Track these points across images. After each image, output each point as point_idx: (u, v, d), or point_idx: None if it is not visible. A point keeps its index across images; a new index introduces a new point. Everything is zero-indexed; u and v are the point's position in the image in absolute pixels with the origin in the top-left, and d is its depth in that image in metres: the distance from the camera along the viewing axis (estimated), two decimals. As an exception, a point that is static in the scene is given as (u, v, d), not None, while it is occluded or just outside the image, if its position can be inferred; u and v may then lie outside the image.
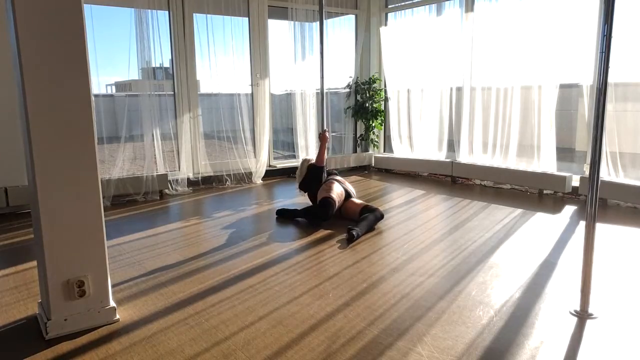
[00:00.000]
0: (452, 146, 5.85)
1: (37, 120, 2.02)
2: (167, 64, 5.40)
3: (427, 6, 5.91)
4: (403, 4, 6.28)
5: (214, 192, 5.30)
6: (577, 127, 5.25)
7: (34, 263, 2.79)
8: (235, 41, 5.63)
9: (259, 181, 5.85)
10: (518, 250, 3.21)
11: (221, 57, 5.52)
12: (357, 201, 4.14)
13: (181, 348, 2.04)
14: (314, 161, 4.47)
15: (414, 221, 4.00)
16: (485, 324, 2.20)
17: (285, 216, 4.18)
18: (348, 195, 4.17)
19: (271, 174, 6.05)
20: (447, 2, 5.72)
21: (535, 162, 5.06)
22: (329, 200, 3.95)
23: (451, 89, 5.81)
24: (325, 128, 4.47)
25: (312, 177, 4.34)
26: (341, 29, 6.68)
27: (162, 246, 3.43)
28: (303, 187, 4.47)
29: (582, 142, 5.03)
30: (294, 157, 6.35)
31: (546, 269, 2.86)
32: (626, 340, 2.06)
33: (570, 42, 4.65)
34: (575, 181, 4.75)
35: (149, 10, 4.94)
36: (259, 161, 5.87)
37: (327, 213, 3.92)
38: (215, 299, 2.52)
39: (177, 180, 5.30)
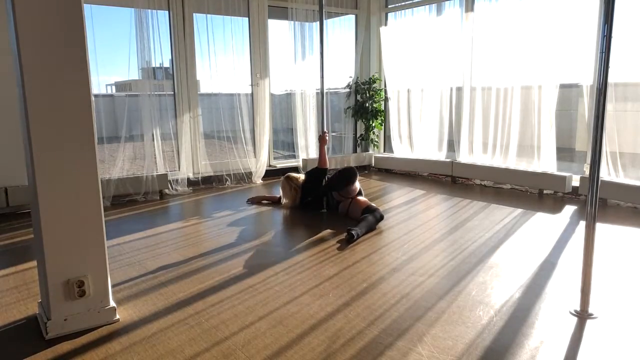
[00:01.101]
0: (452, 146, 5.85)
1: (37, 120, 2.02)
2: (167, 64, 5.40)
3: (427, 6, 5.91)
4: (403, 4, 6.28)
5: (214, 192, 5.30)
6: (577, 127, 5.25)
7: (34, 263, 2.79)
8: (235, 41, 5.63)
9: (259, 181, 5.85)
10: (518, 250, 3.21)
11: (221, 57, 5.52)
12: (362, 199, 4.15)
13: (181, 348, 2.04)
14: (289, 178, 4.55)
15: (414, 221, 4.00)
16: (485, 324, 2.20)
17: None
18: (359, 192, 4.21)
19: (271, 173, 6.05)
20: (447, 2, 5.72)
21: (535, 162, 5.06)
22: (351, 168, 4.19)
23: (451, 89, 5.81)
24: (325, 130, 4.48)
25: (316, 181, 4.36)
26: (341, 29, 6.69)
27: (162, 246, 3.43)
28: (306, 196, 4.41)
29: (582, 142, 5.03)
30: (294, 157, 6.35)
31: (546, 269, 2.86)
32: (626, 340, 2.06)
33: (570, 42, 4.65)
34: (575, 181, 4.75)
35: (149, 10, 4.94)
36: (259, 161, 5.87)
37: (353, 172, 4.10)
38: (215, 299, 2.52)
39: (177, 180, 5.30)
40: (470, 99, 5.60)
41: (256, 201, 4.77)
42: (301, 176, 4.57)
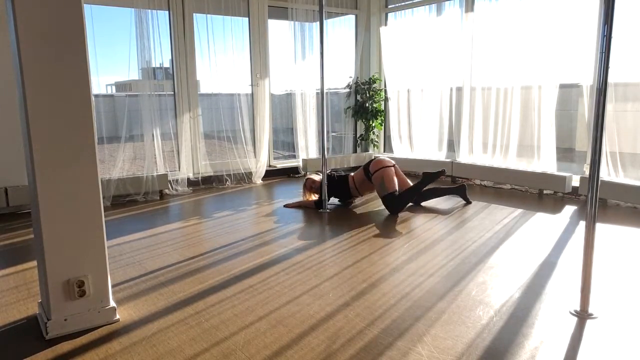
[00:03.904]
0: (452, 146, 5.86)
1: (37, 120, 2.02)
2: (167, 64, 5.40)
3: (427, 6, 5.91)
4: (403, 4, 6.28)
5: (214, 192, 5.30)
6: (577, 127, 5.25)
7: (34, 263, 2.80)
8: (235, 41, 5.63)
9: (259, 181, 5.85)
10: (518, 250, 3.21)
11: (221, 57, 5.53)
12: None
13: (181, 348, 2.04)
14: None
15: (414, 221, 4.00)
16: (485, 324, 2.20)
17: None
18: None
19: (271, 174, 6.05)
20: (447, 2, 5.72)
21: (535, 162, 5.06)
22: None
23: (451, 89, 5.81)
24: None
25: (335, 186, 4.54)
26: (341, 29, 6.69)
27: (162, 246, 3.43)
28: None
29: (582, 142, 5.03)
30: (294, 157, 6.35)
31: (546, 269, 2.86)
32: (626, 340, 2.06)
33: (570, 42, 4.65)
34: (575, 181, 4.75)
35: (149, 10, 4.94)
36: (259, 161, 5.87)
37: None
38: (215, 299, 2.52)
39: (177, 180, 5.30)
40: (470, 99, 5.60)
41: (294, 206, 4.61)
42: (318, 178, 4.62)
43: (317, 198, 4.54)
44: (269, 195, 5.13)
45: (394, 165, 4.38)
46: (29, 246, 3.46)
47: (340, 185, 4.50)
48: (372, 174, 4.29)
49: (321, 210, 4.39)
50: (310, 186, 4.61)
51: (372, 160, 4.41)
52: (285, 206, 4.61)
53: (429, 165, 5.94)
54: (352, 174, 4.53)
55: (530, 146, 5.09)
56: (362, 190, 4.49)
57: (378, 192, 4.30)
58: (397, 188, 4.21)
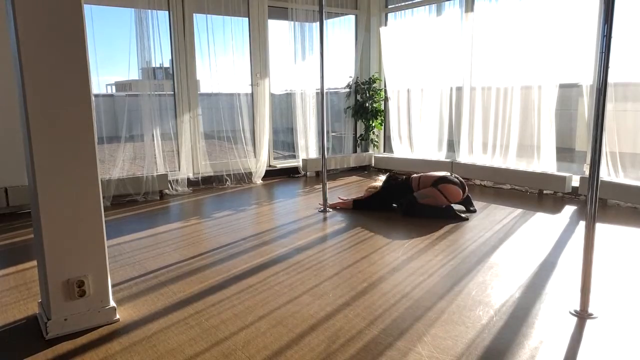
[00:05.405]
0: (452, 146, 5.86)
1: (37, 120, 2.02)
2: (167, 64, 5.40)
3: (427, 6, 5.91)
4: (403, 4, 6.28)
5: (214, 192, 5.30)
6: (577, 127, 5.25)
7: (34, 263, 2.80)
8: (235, 41, 5.63)
9: (259, 181, 5.85)
10: (518, 250, 3.21)
11: (221, 57, 5.53)
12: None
13: (181, 348, 2.05)
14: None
15: (414, 221, 3.99)
16: (485, 324, 2.20)
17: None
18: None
19: (271, 174, 6.05)
20: (447, 2, 5.72)
21: (535, 162, 5.06)
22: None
23: (451, 89, 5.81)
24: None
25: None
26: (341, 29, 6.69)
27: (162, 246, 3.43)
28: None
29: (582, 142, 5.03)
30: (294, 157, 6.35)
31: (546, 269, 2.86)
32: (626, 340, 2.06)
33: (570, 42, 4.65)
34: (575, 181, 4.75)
35: (149, 10, 4.94)
36: (259, 161, 5.87)
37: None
38: (215, 299, 2.52)
39: (177, 180, 5.30)
40: (470, 99, 5.60)
41: (335, 206, 4.52)
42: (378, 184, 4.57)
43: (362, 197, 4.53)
44: (269, 196, 5.13)
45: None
46: (29, 246, 3.46)
47: (403, 187, 4.36)
48: (437, 188, 4.14)
49: (321, 210, 4.39)
50: (369, 190, 4.57)
51: (451, 183, 4.19)
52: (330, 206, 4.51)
53: (429, 165, 5.95)
54: (416, 176, 4.37)
55: (530, 146, 5.09)
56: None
57: (417, 191, 4.21)
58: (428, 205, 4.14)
